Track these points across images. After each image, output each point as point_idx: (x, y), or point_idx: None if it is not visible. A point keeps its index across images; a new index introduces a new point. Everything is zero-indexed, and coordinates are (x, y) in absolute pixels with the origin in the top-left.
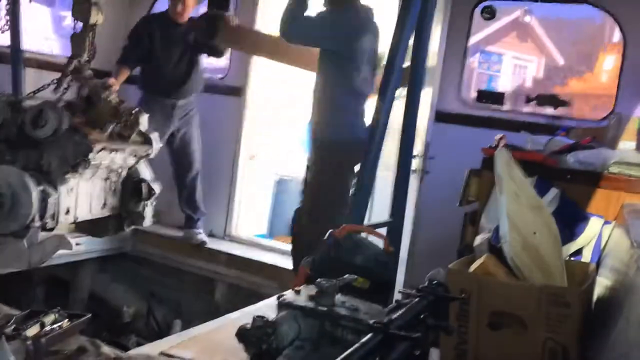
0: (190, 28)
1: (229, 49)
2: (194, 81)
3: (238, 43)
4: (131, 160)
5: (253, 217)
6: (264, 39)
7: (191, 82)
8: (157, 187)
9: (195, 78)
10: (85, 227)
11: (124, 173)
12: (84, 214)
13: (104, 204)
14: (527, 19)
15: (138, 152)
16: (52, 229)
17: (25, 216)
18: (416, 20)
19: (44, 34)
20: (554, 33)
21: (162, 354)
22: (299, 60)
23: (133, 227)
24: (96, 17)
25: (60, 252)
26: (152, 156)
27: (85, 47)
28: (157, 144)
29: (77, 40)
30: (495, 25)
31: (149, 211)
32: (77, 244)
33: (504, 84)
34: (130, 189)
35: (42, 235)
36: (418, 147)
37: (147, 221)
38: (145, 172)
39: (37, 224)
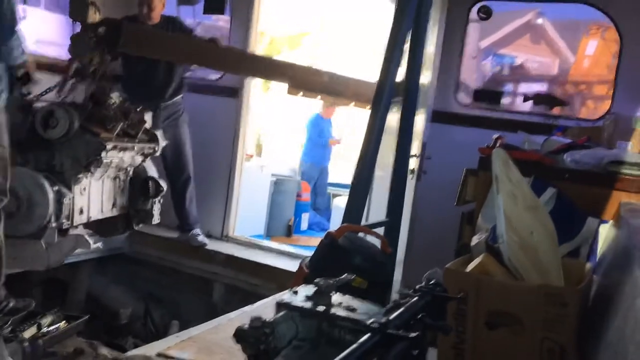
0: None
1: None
2: (175, 82)
3: (147, 48)
4: (138, 159)
5: (250, 217)
6: (183, 43)
7: (171, 84)
8: (164, 184)
9: (175, 79)
10: (94, 227)
11: (131, 172)
12: (96, 214)
13: (114, 203)
14: (540, 21)
15: (145, 150)
16: (67, 230)
17: (41, 217)
18: (412, 21)
19: (56, 40)
20: (566, 34)
21: (160, 355)
22: (226, 65)
23: (142, 225)
24: (93, 17)
25: None
26: (158, 154)
27: (85, 47)
28: (163, 141)
29: (77, 41)
30: (507, 28)
31: (157, 209)
32: None
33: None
34: (138, 187)
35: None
36: (415, 147)
37: (156, 219)
38: (152, 169)
39: (54, 224)
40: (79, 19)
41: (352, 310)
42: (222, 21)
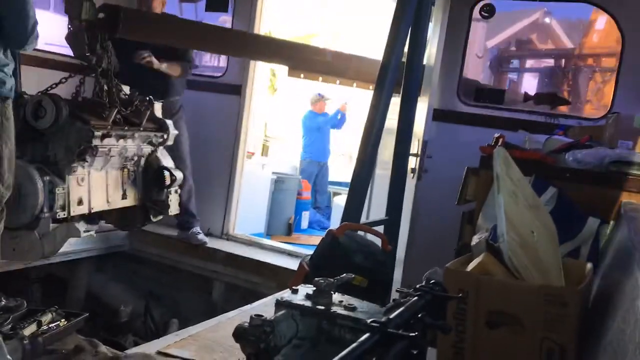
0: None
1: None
2: (171, 81)
3: (147, 33)
4: (147, 148)
5: (251, 216)
6: (184, 26)
7: (168, 83)
8: (178, 174)
9: (172, 78)
10: (112, 220)
11: (143, 162)
12: (99, 205)
13: (124, 194)
14: (547, 20)
15: (152, 139)
16: (64, 220)
17: (32, 207)
18: (412, 18)
19: (65, 42)
20: (574, 34)
21: (159, 353)
22: (228, 47)
23: (160, 216)
24: (88, 13)
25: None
26: (169, 143)
27: (82, 45)
28: (173, 130)
29: (74, 39)
30: (514, 27)
31: (174, 199)
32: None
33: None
34: (151, 177)
35: (54, 226)
36: (416, 146)
37: (173, 209)
38: (166, 159)
39: (47, 214)
40: (74, 16)
41: (352, 309)
42: (228, 23)
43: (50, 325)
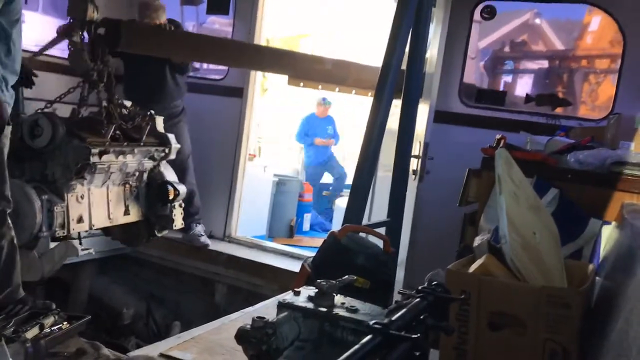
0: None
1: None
2: (171, 86)
3: (148, 46)
4: (148, 163)
5: (252, 218)
6: (184, 39)
7: (167, 88)
8: (181, 189)
9: (171, 83)
10: (117, 236)
11: (145, 177)
12: (101, 222)
13: (126, 210)
14: (538, 21)
15: (154, 154)
16: (64, 238)
17: (31, 227)
18: (413, 19)
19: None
20: (564, 34)
21: (162, 355)
22: (228, 58)
23: (165, 231)
24: (92, 14)
25: None
26: (172, 157)
27: (83, 60)
28: (175, 144)
29: (74, 56)
30: (505, 28)
31: (177, 213)
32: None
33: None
34: (154, 192)
35: (53, 245)
36: (417, 148)
37: (178, 223)
38: (169, 173)
39: (46, 234)
40: (78, 17)
41: (355, 311)
42: (217, 23)
43: (52, 328)
